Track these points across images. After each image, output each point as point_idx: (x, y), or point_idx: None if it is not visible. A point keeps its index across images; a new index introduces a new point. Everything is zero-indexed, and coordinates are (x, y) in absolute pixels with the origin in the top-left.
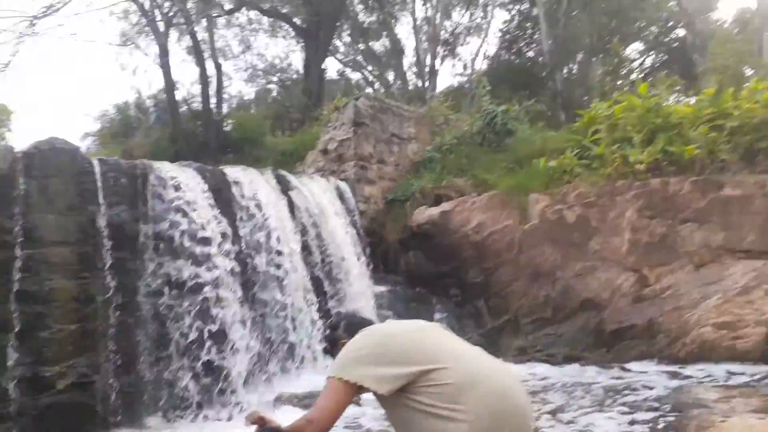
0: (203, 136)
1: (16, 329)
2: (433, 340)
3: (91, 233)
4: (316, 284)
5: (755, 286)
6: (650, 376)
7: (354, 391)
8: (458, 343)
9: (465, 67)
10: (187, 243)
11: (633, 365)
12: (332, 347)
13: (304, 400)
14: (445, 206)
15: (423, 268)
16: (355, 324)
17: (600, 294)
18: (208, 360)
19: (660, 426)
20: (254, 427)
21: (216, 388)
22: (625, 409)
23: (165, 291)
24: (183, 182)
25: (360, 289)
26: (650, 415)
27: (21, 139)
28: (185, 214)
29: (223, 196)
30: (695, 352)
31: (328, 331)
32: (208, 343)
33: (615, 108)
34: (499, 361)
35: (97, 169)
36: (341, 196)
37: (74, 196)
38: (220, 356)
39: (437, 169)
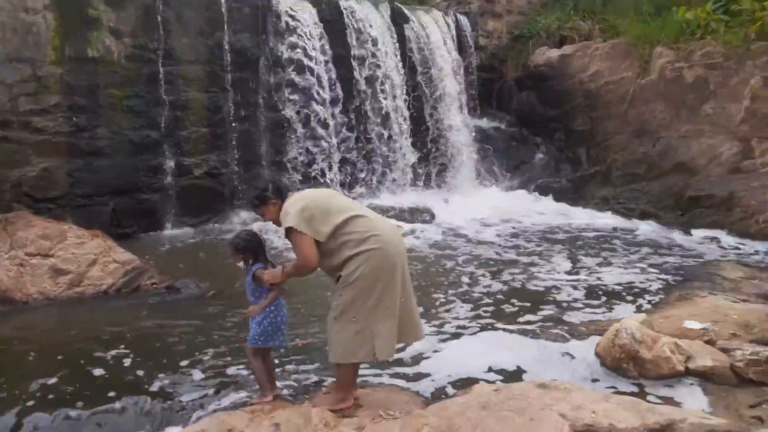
0: None
1: (163, 128)
2: (346, 201)
3: (218, 55)
4: (417, 115)
5: None
6: (702, 242)
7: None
8: (362, 205)
9: None
10: (298, 65)
11: (700, 232)
12: (260, 202)
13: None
14: (566, 50)
15: (534, 109)
16: (282, 188)
17: (697, 159)
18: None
19: (654, 287)
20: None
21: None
22: (646, 264)
23: (279, 107)
24: (298, 13)
25: (457, 124)
26: (662, 275)
27: None
28: (297, 44)
29: (336, 27)
30: (765, 231)
31: (257, 191)
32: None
33: None
34: (388, 220)
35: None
36: (458, 31)
37: (204, 24)
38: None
39: (568, 8)
